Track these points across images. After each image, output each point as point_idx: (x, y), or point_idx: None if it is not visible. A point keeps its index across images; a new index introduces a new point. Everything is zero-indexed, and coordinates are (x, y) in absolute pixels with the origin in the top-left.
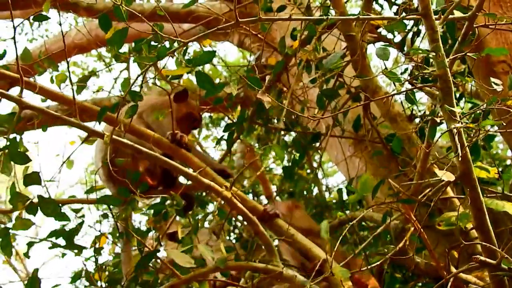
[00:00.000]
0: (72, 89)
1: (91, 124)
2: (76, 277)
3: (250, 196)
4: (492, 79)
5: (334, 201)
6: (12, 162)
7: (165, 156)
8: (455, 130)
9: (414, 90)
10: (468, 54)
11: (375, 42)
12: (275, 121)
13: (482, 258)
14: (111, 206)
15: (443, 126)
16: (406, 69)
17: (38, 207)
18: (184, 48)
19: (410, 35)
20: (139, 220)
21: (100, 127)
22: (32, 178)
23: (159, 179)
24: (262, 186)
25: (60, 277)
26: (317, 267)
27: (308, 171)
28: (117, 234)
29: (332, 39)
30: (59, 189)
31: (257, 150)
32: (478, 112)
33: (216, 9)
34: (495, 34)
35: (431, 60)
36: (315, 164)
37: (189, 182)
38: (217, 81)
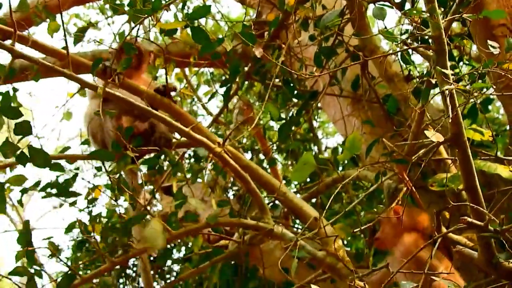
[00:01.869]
0: (65, 41)
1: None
2: (70, 227)
3: (249, 154)
4: (490, 42)
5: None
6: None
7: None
8: (447, 92)
9: (412, 51)
10: (464, 15)
11: (376, 1)
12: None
13: (470, 219)
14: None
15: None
16: (407, 30)
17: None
18: (183, 1)
19: None
20: None
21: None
22: (23, 128)
23: (146, 130)
24: (259, 143)
25: (55, 228)
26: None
27: (307, 130)
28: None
29: None
30: (60, 142)
31: (255, 107)
32: (474, 74)
33: None
34: None
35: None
36: (315, 124)
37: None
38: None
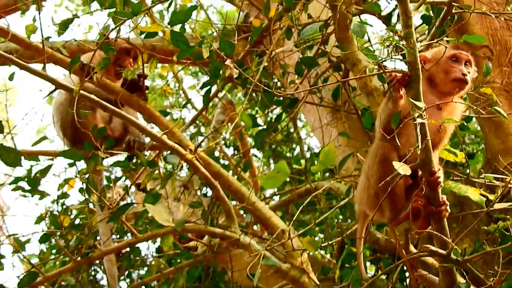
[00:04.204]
0: (42, 41)
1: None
2: (40, 218)
3: (231, 149)
4: None
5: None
6: None
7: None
8: (418, 121)
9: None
10: (444, 39)
11: (361, 14)
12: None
13: (433, 248)
14: None
15: None
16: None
17: None
18: (168, 3)
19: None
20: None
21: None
22: None
23: (120, 132)
24: (239, 143)
25: (26, 216)
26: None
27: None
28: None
29: (321, 5)
30: (44, 123)
31: (237, 106)
32: None
33: None
34: (480, 18)
35: None
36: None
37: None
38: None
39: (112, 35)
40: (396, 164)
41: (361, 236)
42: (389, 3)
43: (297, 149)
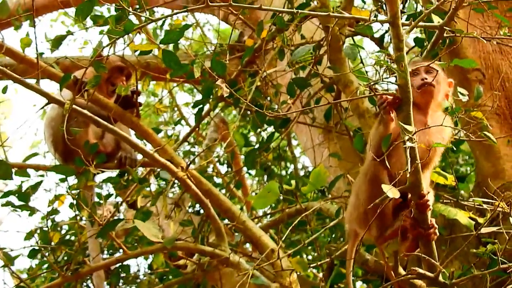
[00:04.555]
0: (37, 55)
1: None
2: (30, 234)
3: (225, 167)
4: (459, 89)
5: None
6: None
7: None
8: (407, 145)
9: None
10: (436, 62)
11: (354, 35)
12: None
13: (421, 270)
14: None
15: None
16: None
17: None
18: (162, 21)
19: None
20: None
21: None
22: None
23: (112, 148)
24: (232, 161)
25: (18, 232)
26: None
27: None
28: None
29: (315, 26)
30: (37, 137)
31: (230, 124)
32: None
33: None
34: (472, 42)
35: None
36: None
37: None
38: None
39: (106, 52)
40: (385, 187)
41: (351, 256)
42: (382, 25)
43: (291, 167)
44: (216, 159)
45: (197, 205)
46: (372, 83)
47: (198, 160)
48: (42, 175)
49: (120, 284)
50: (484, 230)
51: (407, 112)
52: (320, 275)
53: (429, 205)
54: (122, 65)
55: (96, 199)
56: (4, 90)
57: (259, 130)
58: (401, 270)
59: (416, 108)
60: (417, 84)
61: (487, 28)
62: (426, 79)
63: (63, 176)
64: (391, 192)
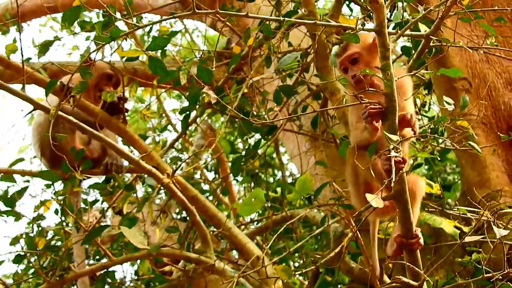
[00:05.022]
0: (22, 62)
1: None
2: (15, 239)
3: (212, 174)
4: (445, 98)
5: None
6: None
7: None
8: (392, 154)
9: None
10: (423, 71)
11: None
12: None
13: (405, 279)
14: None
15: None
16: None
17: None
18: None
19: None
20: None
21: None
22: None
23: (99, 154)
24: (220, 167)
25: (4, 237)
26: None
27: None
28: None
29: (303, 33)
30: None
31: (217, 131)
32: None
33: None
34: (459, 51)
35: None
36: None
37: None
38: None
39: (93, 58)
40: (369, 197)
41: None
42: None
43: (279, 175)
44: (204, 165)
45: (183, 212)
46: (358, 92)
47: (184, 167)
48: (28, 180)
49: None
50: (469, 239)
51: (393, 121)
52: (306, 282)
53: (420, 245)
54: (111, 72)
55: (82, 205)
56: None
57: (246, 137)
58: (386, 278)
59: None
60: (353, 81)
61: (474, 38)
62: (355, 75)
63: (49, 182)
64: (375, 201)
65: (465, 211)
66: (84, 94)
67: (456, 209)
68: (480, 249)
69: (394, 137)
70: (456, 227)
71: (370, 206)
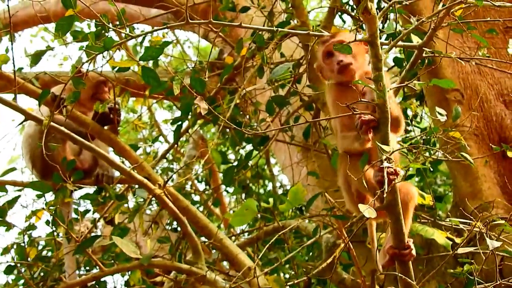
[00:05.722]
0: (14, 72)
1: None
2: (6, 249)
3: (202, 185)
4: (437, 109)
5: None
6: None
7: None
8: (384, 165)
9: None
10: (415, 82)
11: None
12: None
13: None
14: None
15: None
16: None
17: None
18: (142, 38)
19: None
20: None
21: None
22: None
23: (90, 165)
24: (211, 178)
25: None
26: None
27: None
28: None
29: (295, 44)
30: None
31: (209, 141)
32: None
33: None
34: (451, 62)
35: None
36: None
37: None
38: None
39: (85, 68)
40: (362, 207)
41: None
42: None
43: (270, 185)
44: (195, 176)
45: (175, 222)
46: (349, 103)
47: (176, 177)
48: (20, 190)
49: None
50: (461, 250)
51: (385, 132)
52: None
53: (412, 256)
54: (104, 78)
55: (74, 215)
56: None
57: (237, 147)
58: None
59: (343, 86)
60: (335, 68)
61: (466, 49)
62: (341, 61)
63: (40, 192)
64: (368, 212)
65: (457, 222)
66: (81, 105)
67: (448, 220)
68: (472, 260)
69: (387, 148)
70: (448, 238)
71: (363, 217)
